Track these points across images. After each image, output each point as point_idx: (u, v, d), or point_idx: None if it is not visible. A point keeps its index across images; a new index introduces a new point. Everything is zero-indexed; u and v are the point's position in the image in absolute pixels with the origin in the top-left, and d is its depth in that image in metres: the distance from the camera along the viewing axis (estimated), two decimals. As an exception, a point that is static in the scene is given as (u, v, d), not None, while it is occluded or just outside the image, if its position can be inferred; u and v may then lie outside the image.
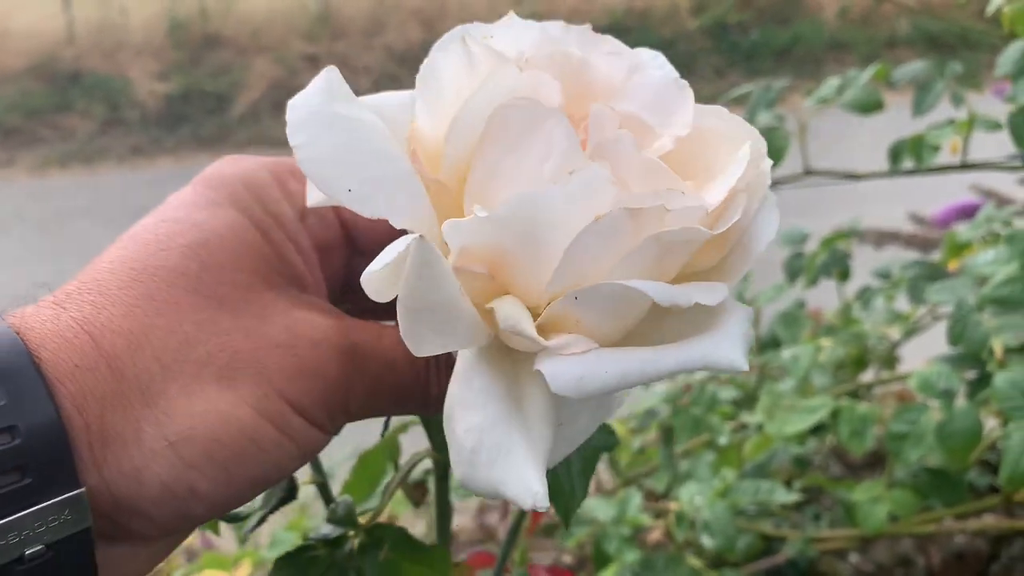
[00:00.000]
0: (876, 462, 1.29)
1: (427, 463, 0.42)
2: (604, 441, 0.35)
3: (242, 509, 0.39)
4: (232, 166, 0.32)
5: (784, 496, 0.79)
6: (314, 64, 6.50)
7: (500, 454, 0.24)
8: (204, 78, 6.26)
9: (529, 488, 0.24)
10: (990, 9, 1.14)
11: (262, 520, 0.38)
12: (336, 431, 0.30)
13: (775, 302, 1.07)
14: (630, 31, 6.77)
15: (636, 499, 0.83)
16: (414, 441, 0.46)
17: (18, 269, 4.58)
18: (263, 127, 6.11)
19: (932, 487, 0.92)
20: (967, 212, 1.38)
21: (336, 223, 0.33)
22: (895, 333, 1.29)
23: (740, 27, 6.79)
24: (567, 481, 0.34)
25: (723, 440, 0.92)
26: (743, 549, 0.93)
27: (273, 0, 6.65)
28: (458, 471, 0.25)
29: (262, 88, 6.25)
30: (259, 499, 0.39)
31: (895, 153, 0.95)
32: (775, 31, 6.75)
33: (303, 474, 0.41)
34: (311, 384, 0.28)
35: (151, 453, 0.26)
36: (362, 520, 0.37)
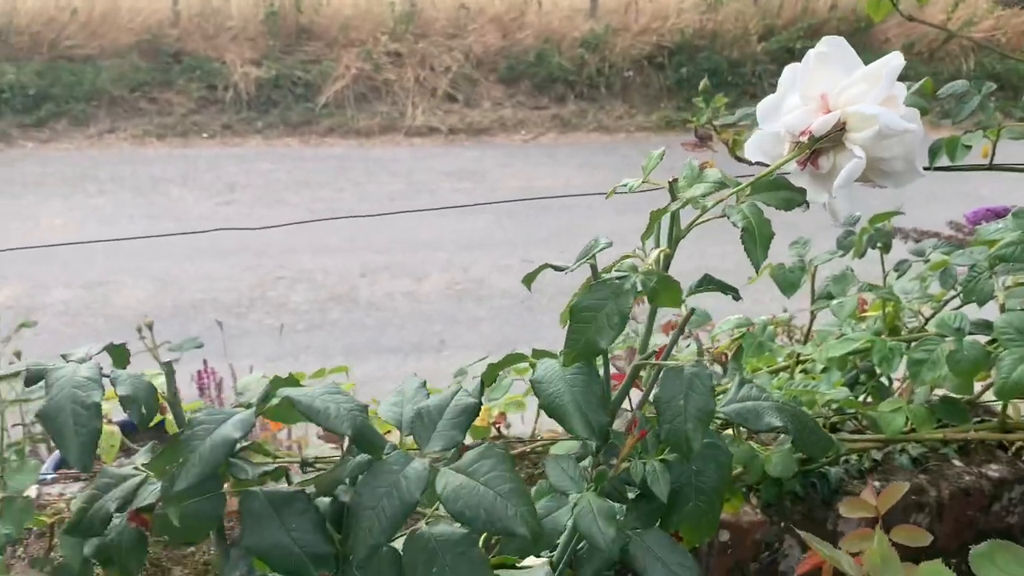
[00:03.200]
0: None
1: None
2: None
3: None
4: None
5: (832, 391, 1.05)
6: (398, 61, 6.86)
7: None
8: (295, 66, 6.64)
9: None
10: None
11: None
12: None
13: (830, 266, 1.34)
14: (700, 50, 7.03)
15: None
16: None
17: (114, 227, 4.98)
18: (346, 116, 6.48)
19: (942, 409, 1.18)
20: (997, 214, 1.63)
21: None
22: (927, 311, 1.55)
23: (805, 53, 6.99)
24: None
25: (780, 360, 1.19)
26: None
27: (362, -2, 7.04)
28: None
29: (348, 80, 6.61)
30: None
31: (933, 151, 1.22)
32: (841, 60, 6.94)
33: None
34: None
35: None
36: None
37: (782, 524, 1.42)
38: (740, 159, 1.16)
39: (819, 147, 0.68)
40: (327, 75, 6.66)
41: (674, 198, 0.66)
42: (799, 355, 1.25)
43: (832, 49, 0.70)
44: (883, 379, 1.26)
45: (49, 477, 1.21)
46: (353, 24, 6.88)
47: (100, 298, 4.08)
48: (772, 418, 0.72)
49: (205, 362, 2.24)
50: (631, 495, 0.69)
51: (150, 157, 6.00)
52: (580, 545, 0.69)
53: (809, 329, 1.32)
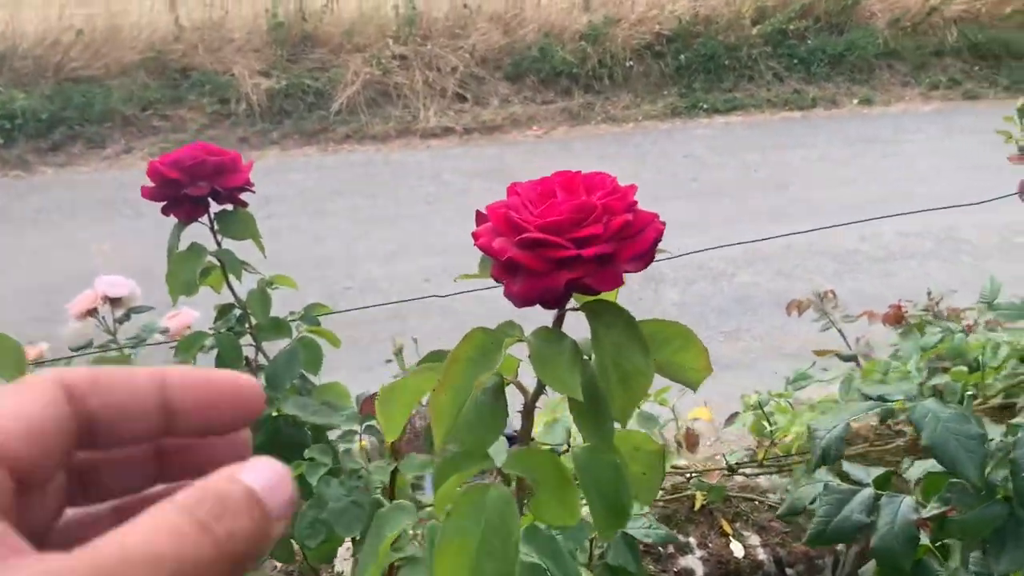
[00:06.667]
0: None
1: None
2: None
3: None
4: None
5: None
6: (405, 64, 6.90)
7: None
8: (304, 75, 6.63)
9: None
10: None
11: None
12: None
13: None
14: (696, 36, 7.24)
15: None
16: None
17: (143, 249, 4.93)
18: (361, 122, 6.50)
19: None
20: None
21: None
22: None
23: (797, 34, 7.27)
24: None
25: None
26: None
27: (364, 2, 7.04)
28: None
29: (357, 86, 6.63)
30: None
31: None
32: (830, 39, 7.24)
33: None
34: None
35: None
36: None
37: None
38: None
39: None
40: (336, 82, 6.66)
41: None
42: None
43: None
44: None
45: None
46: (357, 29, 6.89)
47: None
48: None
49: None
50: None
51: (172, 175, 5.93)
52: None
53: None
